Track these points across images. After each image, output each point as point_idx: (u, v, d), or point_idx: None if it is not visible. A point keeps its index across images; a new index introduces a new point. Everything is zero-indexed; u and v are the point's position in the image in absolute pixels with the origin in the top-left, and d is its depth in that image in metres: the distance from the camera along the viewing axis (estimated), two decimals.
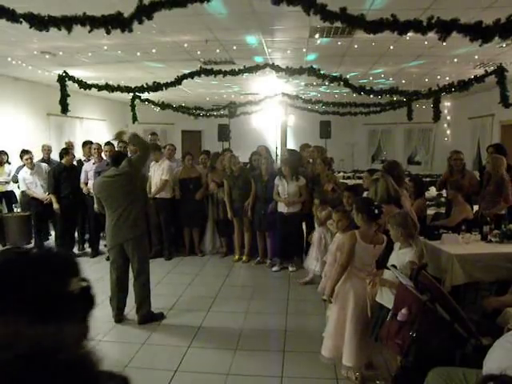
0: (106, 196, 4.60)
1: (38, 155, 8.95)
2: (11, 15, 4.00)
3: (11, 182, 8.39)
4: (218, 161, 7.41)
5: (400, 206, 4.26)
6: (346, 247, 3.45)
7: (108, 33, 4.12)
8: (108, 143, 7.32)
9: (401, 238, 3.34)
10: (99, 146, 7.43)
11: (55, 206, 7.01)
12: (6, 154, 8.57)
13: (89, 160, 7.86)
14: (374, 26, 3.99)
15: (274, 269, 6.60)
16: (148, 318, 4.67)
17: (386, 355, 3.58)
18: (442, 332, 2.72)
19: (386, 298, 3.19)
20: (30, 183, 7.37)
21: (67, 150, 7.34)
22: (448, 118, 14.21)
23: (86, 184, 7.19)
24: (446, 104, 13.89)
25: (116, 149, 7.09)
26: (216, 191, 7.15)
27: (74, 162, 8.01)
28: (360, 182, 7.50)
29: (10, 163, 8.56)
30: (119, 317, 4.71)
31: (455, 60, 7.73)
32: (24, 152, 7.80)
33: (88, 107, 12.96)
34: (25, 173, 7.51)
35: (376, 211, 3.46)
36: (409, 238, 3.28)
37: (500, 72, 6.80)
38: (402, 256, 3.19)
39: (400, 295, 2.98)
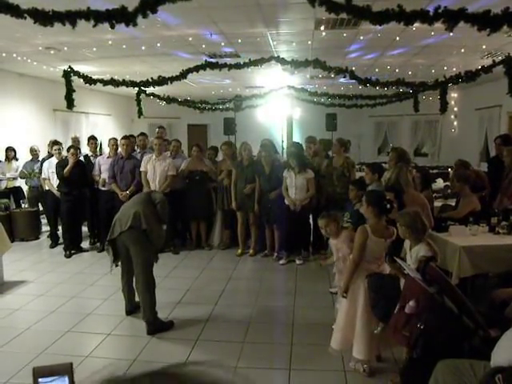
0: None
1: (44, 151, 9.02)
2: (15, 11, 4.01)
3: (18, 178, 8.45)
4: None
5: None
6: (358, 243, 3.42)
7: (112, 27, 4.11)
8: (125, 137, 7.32)
9: (408, 237, 3.32)
10: (115, 140, 7.42)
11: (66, 171, 6.95)
12: (13, 150, 8.63)
13: (95, 155, 7.89)
14: (379, 16, 3.95)
15: (281, 262, 6.61)
16: (155, 327, 4.30)
17: (394, 347, 3.58)
18: (449, 324, 2.71)
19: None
20: (52, 173, 7.38)
21: (69, 148, 7.34)
22: (455, 109, 14.10)
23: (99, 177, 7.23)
24: (453, 95, 13.78)
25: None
26: (225, 179, 7.12)
27: (81, 158, 8.05)
28: None
29: (17, 159, 8.62)
30: (128, 308, 4.70)
31: (462, 50, 7.67)
32: (54, 143, 7.89)
33: (94, 102, 12.99)
34: (50, 162, 7.54)
35: (388, 206, 3.45)
36: (417, 237, 3.25)
37: (508, 62, 6.71)
38: (414, 254, 3.18)
39: (408, 287, 2.97)
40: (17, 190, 8.52)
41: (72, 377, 1.79)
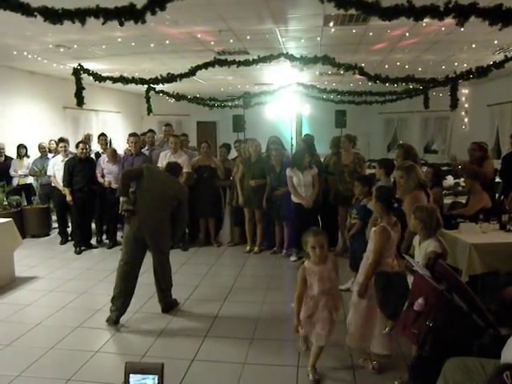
0: (145, 193, 4.54)
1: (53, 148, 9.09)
2: (26, 9, 4.04)
3: (29, 176, 8.52)
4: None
5: (428, 194, 4.25)
6: (381, 244, 3.35)
7: (121, 25, 4.13)
8: (133, 134, 7.33)
9: (419, 231, 3.28)
10: (137, 138, 7.23)
11: (68, 198, 7.07)
12: (24, 147, 8.72)
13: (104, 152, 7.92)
14: (389, 12, 3.93)
15: (292, 259, 6.60)
16: (171, 304, 4.78)
17: (403, 345, 3.57)
18: (459, 322, 2.69)
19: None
20: (58, 170, 7.43)
21: (78, 143, 7.39)
22: (466, 105, 13.98)
23: (103, 176, 7.24)
24: (464, 91, 13.66)
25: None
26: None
27: (92, 155, 8.11)
28: None
29: (28, 156, 8.70)
30: (116, 318, 4.45)
31: (473, 46, 7.58)
32: (60, 140, 7.95)
33: (103, 100, 13.06)
34: (56, 159, 7.62)
35: (395, 204, 3.44)
36: (428, 233, 3.21)
37: None
38: (423, 249, 3.14)
39: (416, 285, 2.95)
40: (28, 187, 8.60)
41: (162, 377, 1.81)
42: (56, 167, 7.46)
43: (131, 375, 1.71)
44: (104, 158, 7.43)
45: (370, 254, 3.48)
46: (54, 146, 8.72)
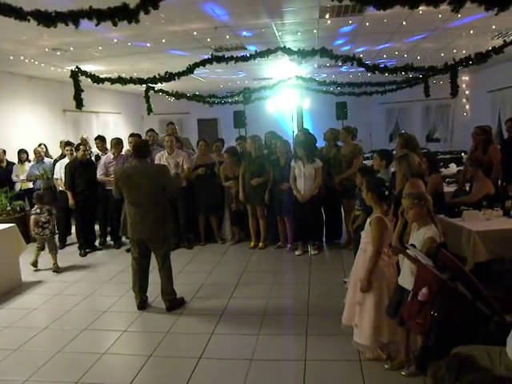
0: (130, 189, 4.63)
1: (55, 151, 9.11)
2: (18, 13, 4.02)
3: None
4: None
5: (425, 183, 4.23)
6: (379, 235, 3.33)
7: (115, 25, 4.10)
8: (132, 135, 7.31)
9: (416, 219, 3.22)
10: (135, 139, 7.01)
11: (70, 201, 7.08)
12: (25, 152, 8.73)
13: (105, 154, 7.91)
14: (384, 1, 3.88)
15: (297, 253, 6.59)
16: (176, 303, 4.80)
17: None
18: (463, 310, 2.68)
19: (405, 279, 3.15)
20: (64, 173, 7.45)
21: (78, 146, 7.39)
22: (466, 92, 13.89)
23: (107, 176, 7.21)
24: (464, 78, 13.57)
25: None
26: (231, 186, 7.11)
27: (93, 157, 8.10)
28: None
29: (29, 161, 8.71)
30: (142, 304, 4.80)
31: (471, 32, 7.51)
32: (67, 143, 7.97)
33: (103, 101, 13.06)
34: (62, 163, 7.61)
35: (386, 192, 3.42)
36: (426, 219, 3.16)
37: None
38: (420, 236, 3.10)
39: (420, 275, 2.94)
40: (31, 192, 8.60)
41: None
42: (63, 170, 7.46)
43: None
44: (109, 156, 7.39)
45: (366, 246, 3.46)
46: (44, 149, 8.74)
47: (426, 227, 3.08)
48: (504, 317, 2.60)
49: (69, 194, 7.11)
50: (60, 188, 7.60)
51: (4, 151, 8.61)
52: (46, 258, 6.87)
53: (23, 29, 5.30)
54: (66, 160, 7.59)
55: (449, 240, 4.61)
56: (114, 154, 7.32)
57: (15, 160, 8.68)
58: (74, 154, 7.68)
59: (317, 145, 7.13)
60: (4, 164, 8.57)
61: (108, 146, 7.97)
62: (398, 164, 4.25)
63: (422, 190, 3.89)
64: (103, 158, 7.44)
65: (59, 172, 7.54)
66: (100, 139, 8.23)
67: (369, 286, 3.36)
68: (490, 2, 3.83)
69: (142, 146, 4.91)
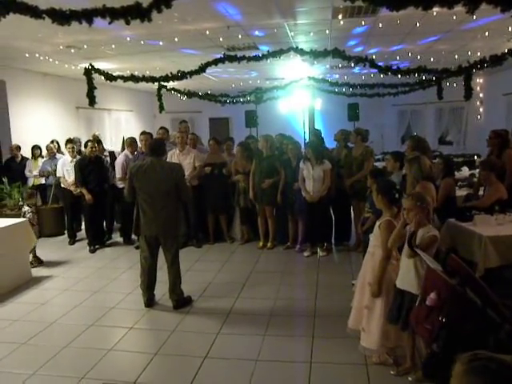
0: (145, 185, 4.64)
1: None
2: (34, 11, 4.07)
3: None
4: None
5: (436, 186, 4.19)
6: (387, 237, 3.29)
7: (128, 23, 4.13)
8: (143, 133, 7.34)
9: (417, 220, 3.15)
10: (147, 137, 7.13)
11: (87, 197, 7.06)
12: (39, 148, 8.83)
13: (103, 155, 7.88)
14: (396, 2, 3.85)
15: (306, 254, 6.57)
16: (183, 301, 4.80)
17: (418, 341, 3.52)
18: (473, 317, 2.64)
19: (406, 283, 3.10)
20: (67, 170, 7.53)
21: (87, 143, 7.42)
22: (481, 95, 13.74)
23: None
24: (479, 81, 13.43)
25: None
26: (239, 180, 7.11)
27: (106, 153, 8.15)
28: None
29: (43, 157, 8.80)
30: (150, 302, 4.82)
31: (486, 34, 7.43)
32: (68, 141, 7.99)
33: (115, 99, 13.14)
34: (65, 159, 7.69)
35: (397, 195, 3.38)
36: (426, 220, 3.11)
37: None
38: (418, 237, 3.06)
39: (428, 279, 2.90)
40: (43, 188, 8.69)
41: None
42: (65, 168, 7.54)
43: None
44: (127, 155, 7.23)
45: (375, 250, 3.43)
46: (57, 146, 8.81)
47: (425, 228, 3.04)
48: None
49: (83, 191, 7.09)
50: (62, 185, 7.66)
51: (19, 147, 8.72)
52: (56, 254, 6.95)
53: (38, 27, 5.36)
54: (68, 158, 7.64)
55: (459, 245, 4.59)
56: (130, 152, 7.31)
57: (29, 156, 8.78)
58: (75, 151, 7.72)
59: (327, 146, 7.10)
60: (19, 159, 8.69)
61: (106, 146, 7.95)
62: (409, 166, 4.22)
63: (433, 193, 3.85)
64: (121, 158, 7.29)
65: (61, 170, 7.60)
66: (95, 142, 7.72)
67: (379, 290, 3.33)
68: (507, 2, 3.79)
69: (159, 144, 4.94)
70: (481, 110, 14.06)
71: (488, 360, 1.56)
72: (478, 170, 6.72)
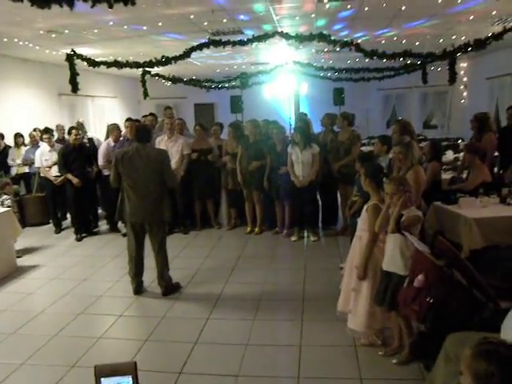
0: (130, 171, 4.60)
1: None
2: None
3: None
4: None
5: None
6: (374, 221, 3.31)
7: (111, 7, 4.02)
8: (129, 119, 7.23)
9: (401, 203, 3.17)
10: (132, 123, 7.00)
11: (75, 181, 6.95)
12: (21, 136, 8.66)
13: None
14: None
15: (293, 238, 6.60)
16: (171, 288, 4.81)
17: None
18: (459, 297, 2.69)
19: (393, 265, 3.13)
20: (45, 160, 7.43)
21: (70, 130, 7.30)
22: (464, 79, 13.81)
23: (110, 162, 7.08)
24: (462, 65, 13.48)
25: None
26: (228, 161, 7.08)
27: (85, 140, 8.04)
28: None
29: (26, 145, 8.64)
30: (138, 289, 4.82)
31: (471, 17, 7.44)
32: (45, 131, 7.87)
33: (99, 85, 12.91)
34: (43, 149, 7.58)
35: (384, 179, 3.41)
36: (407, 201, 3.14)
37: None
38: (405, 215, 3.09)
39: (416, 261, 2.94)
40: (27, 177, 8.56)
41: (136, 377, 1.60)
42: (44, 157, 7.44)
43: (102, 379, 1.61)
44: (109, 142, 7.22)
45: (362, 234, 3.46)
46: (39, 134, 8.67)
47: (409, 210, 3.08)
48: (498, 303, 2.62)
49: (68, 176, 6.99)
50: (42, 174, 7.58)
51: (1, 135, 8.54)
52: (42, 243, 6.88)
53: (17, 10, 5.23)
54: (46, 147, 7.55)
55: (445, 227, 4.66)
56: (114, 139, 7.22)
57: (12, 144, 8.62)
58: (53, 141, 7.63)
59: (314, 130, 7.10)
60: (1, 148, 8.50)
61: (90, 133, 7.83)
62: (405, 151, 4.22)
63: (424, 177, 3.90)
64: (103, 146, 7.25)
65: (39, 159, 7.48)
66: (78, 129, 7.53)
67: (364, 273, 3.37)
68: None
69: (143, 130, 4.88)
70: (464, 94, 14.15)
71: (497, 344, 1.59)
72: (462, 154, 6.80)
